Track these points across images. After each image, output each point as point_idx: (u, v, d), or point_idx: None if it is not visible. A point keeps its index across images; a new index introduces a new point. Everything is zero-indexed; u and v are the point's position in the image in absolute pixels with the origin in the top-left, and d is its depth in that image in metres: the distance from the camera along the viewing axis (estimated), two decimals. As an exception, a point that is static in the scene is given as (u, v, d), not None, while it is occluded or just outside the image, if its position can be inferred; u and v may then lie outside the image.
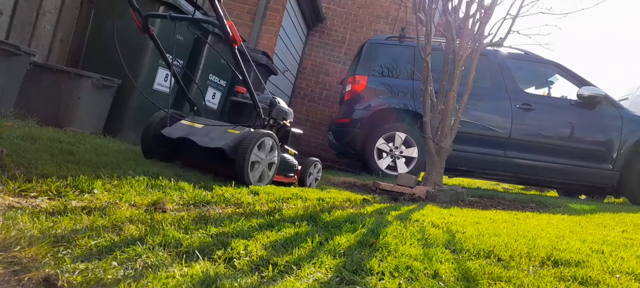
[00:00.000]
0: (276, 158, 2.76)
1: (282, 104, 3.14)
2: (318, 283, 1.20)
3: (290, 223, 1.83)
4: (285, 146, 3.18)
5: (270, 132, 2.72)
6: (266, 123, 2.89)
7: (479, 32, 4.00)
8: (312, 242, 1.54)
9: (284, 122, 3.09)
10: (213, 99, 4.68)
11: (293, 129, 3.20)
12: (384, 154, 5.20)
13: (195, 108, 2.99)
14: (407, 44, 5.59)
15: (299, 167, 3.22)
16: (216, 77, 4.62)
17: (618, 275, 1.63)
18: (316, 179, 3.45)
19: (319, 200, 2.61)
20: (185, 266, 1.19)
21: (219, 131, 2.63)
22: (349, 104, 5.49)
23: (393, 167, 5.17)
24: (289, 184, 3.07)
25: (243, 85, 2.82)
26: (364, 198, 3.08)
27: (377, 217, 2.29)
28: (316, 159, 3.38)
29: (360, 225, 1.94)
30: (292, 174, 3.12)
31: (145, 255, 1.21)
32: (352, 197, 2.96)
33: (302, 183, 3.22)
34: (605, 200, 5.92)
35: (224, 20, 2.53)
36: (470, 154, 5.14)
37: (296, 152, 3.25)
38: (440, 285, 1.31)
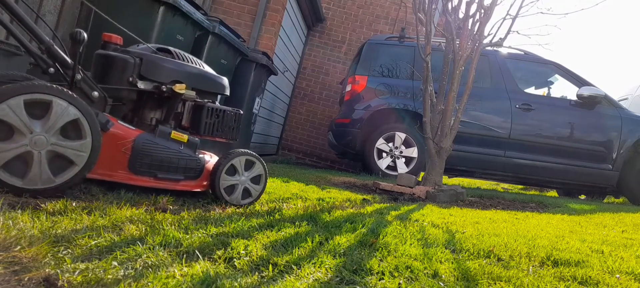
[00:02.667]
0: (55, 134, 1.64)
1: (172, 60, 2.12)
2: (318, 283, 1.20)
3: (290, 223, 1.83)
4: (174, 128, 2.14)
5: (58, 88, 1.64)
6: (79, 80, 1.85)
7: (478, 32, 4.01)
8: (312, 242, 1.54)
9: (170, 88, 2.04)
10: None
11: (206, 103, 2.18)
12: (384, 154, 5.20)
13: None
14: (407, 44, 5.59)
15: (205, 165, 2.17)
16: (216, 77, 4.62)
17: (618, 275, 1.63)
18: (248, 192, 2.23)
19: (319, 200, 2.62)
20: (186, 266, 1.19)
21: None
22: (349, 104, 5.49)
23: (393, 167, 5.17)
24: (170, 192, 2.09)
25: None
26: (364, 198, 3.09)
27: (377, 217, 2.29)
28: (252, 153, 2.25)
29: (360, 225, 1.94)
30: (178, 176, 2.06)
31: (145, 255, 1.21)
32: (352, 197, 2.96)
33: (213, 190, 2.16)
34: (605, 200, 5.92)
35: None
36: (470, 154, 5.14)
37: (195, 139, 2.16)
38: (440, 285, 1.31)
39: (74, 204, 1.65)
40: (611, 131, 5.22)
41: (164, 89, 2.02)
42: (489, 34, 4.06)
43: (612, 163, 5.17)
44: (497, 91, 5.29)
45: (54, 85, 1.63)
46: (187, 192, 2.15)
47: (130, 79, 1.99)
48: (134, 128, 1.98)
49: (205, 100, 2.19)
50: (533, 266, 1.66)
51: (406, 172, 4.96)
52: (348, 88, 5.60)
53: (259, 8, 6.37)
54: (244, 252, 1.34)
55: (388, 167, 5.18)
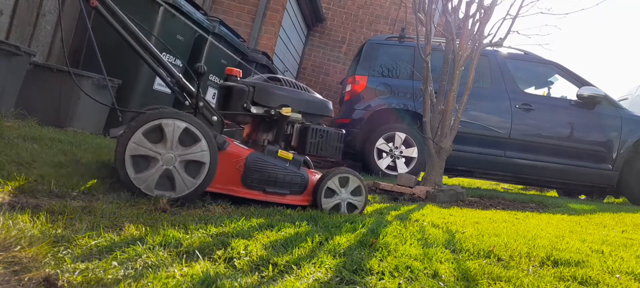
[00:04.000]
0: (198, 154, 1.97)
1: (280, 86, 2.37)
2: (318, 283, 1.20)
3: (290, 223, 1.83)
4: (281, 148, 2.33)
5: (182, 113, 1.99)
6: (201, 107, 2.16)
7: (478, 32, 4.01)
8: (312, 242, 1.54)
9: (278, 111, 2.28)
10: (213, 98, 4.68)
11: (311, 124, 2.37)
12: (384, 154, 5.20)
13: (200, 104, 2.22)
14: (407, 44, 5.59)
15: (310, 180, 2.33)
16: (216, 77, 4.62)
17: (618, 275, 1.63)
18: (353, 206, 2.38)
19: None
20: (186, 266, 1.19)
21: None
22: (349, 104, 5.49)
23: (393, 167, 5.17)
24: (282, 205, 2.25)
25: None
26: (364, 199, 3.08)
27: (377, 217, 2.29)
28: (344, 169, 2.38)
29: (360, 225, 1.94)
30: (285, 191, 2.25)
31: (145, 255, 1.21)
32: (352, 197, 2.96)
33: (315, 203, 2.31)
34: (605, 200, 5.92)
35: None
36: (470, 154, 5.14)
37: (299, 157, 2.33)
38: (440, 285, 1.31)
39: (73, 204, 1.66)
40: (611, 131, 5.22)
41: (273, 113, 2.28)
42: (489, 34, 4.06)
43: (612, 163, 5.17)
44: (497, 91, 5.29)
45: (159, 110, 1.97)
46: (294, 206, 2.29)
47: (245, 105, 2.27)
48: (246, 148, 2.24)
49: (310, 122, 2.41)
50: (533, 266, 1.66)
51: (406, 172, 4.96)
52: (348, 88, 5.60)
53: (259, 8, 6.37)
54: (244, 252, 1.34)
55: (388, 167, 5.18)
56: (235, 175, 2.13)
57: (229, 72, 2.39)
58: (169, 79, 2.21)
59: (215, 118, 2.15)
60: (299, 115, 2.37)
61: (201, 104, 2.13)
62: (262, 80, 2.40)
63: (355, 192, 2.38)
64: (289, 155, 2.27)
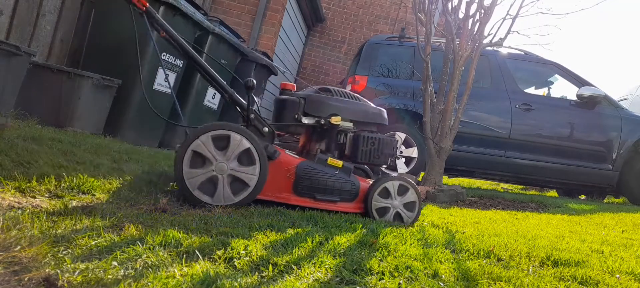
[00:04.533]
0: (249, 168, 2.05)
1: (332, 96, 2.41)
2: (318, 283, 1.20)
3: (290, 223, 1.83)
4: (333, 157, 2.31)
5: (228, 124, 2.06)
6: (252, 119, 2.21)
7: (478, 32, 4.01)
8: (312, 242, 1.54)
9: (327, 120, 2.32)
10: (213, 98, 4.68)
11: (362, 132, 2.38)
12: (384, 154, 5.19)
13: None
14: (407, 44, 5.59)
15: (360, 188, 2.28)
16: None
17: (618, 275, 1.63)
18: (400, 217, 2.29)
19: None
20: (186, 266, 1.19)
21: None
22: (349, 104, 5.49)
23: (393, 167, 5.17)
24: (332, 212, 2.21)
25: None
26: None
27: (377, 217, 2.29)
28: (408, 179, 2.33)
29: (360, 225, 1.94)
30: (335, 198, 2.24)
31: (145, 255, 1.21)
32: (352, 197, 2.96)
33: (366, 211, 2.27)
34: (605, 200, 5.92)
35: None
36: (470, 154, 5.14)
37: (349, 165, 2.30)
38: (440, 285, 1.31)
39: (73, 204, 1.66)
40: (611, 131, 5.22)
41: (323, 122, 2.34)
42: (489, 34, 4.06)
43: (612, 163, 5.16)
44: (497, 91, 5.29)
45: (233, 124, 2.06)
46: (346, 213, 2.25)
47: (296, 116, 2.36)
48: (297, 156, 2.30)
49: (362, 130, 2.43)
50: (533, 266, 1.66)
51: (406, 172, 4.95)
52: (348, 88, 5.60)
53: (259, 8, 6.37)
54: (244, 252, 1.34)
55: (388, 167, 5.18)
56: (287, 183, 2.20)
57: (284, 86, 2.47)
58: (222, 91, 2.30)
59: (266, 129, 2.22)
60: (350, 124, 2.39)
61: (252, 116, 2.20)
62: (314, 92, 2.47)
63: (409, 206, 2.31)
64: (339, 162, 2.28)
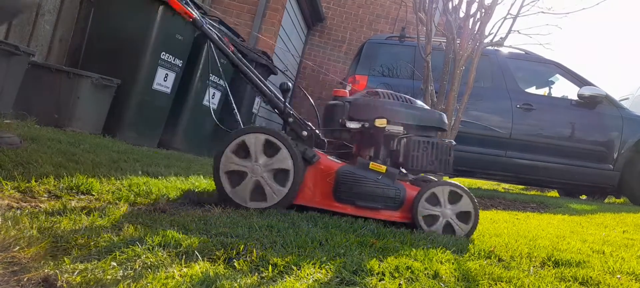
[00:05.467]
0: (280, 163, 2.03)
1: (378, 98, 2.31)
2: (318, 284, 1.20)
3: (290, 223, 1.82)
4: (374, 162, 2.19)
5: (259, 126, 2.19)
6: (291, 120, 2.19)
7: (479, 32, 4.00)
8: (312, 242, 1.54)
9: (371, 124, 2.23)
10: (213, 98, 4.68)
11: (413, 136, 2.23)
12: (384, 154, 5.19)
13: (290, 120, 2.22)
14: (407, 43, 5.58)
15: (408, 194, 2.12)
16: (216, 77, 4.61)
17: (619, 276, 1.62)
18: (452, 228, 2.08)
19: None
20: (185, 266, 1.18)
21: None
22: (349, 103, 5.48)
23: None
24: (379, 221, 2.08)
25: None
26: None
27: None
28: (451, 183, 2.14)
29: (360, 225, 1.93)
30: (377, 205, 2.11)
31: (144, 256, 1.20)
32: (352, 197, 2.95)
33: (412, 219, 2.10)
34: (606, 201, 5.91)
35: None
36: (470, 154, 5.13)
37: (394, 170, 2.17)
38: (440, 285, 1.31)
39: (72, 204, 1.65)
40: (612, 131, 5.21)
41: (367, 125, 2.23)
42: (489, 34, 4.06)
43: (613, 163, 5.15)
44: (497, 91, 5.28)
45: (256, 126, 2.05)
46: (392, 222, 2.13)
47: (341, 121, 2.29)
48: (338, 161, 2.21)
49: (414, 134, 2.26)
50: (534, 266, 1.66)
51: (406, 172, 4.94)
52: (348, 88, 5.59)
53: (259, 7, 6.36)
54: (243, 252, 1.34)
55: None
56: (327, 189, 2.12)
57: (336, 93, 2.41)
58: (261, 94, 2.31)
59: (305, 132, 2.17)
60: (399, 128, 2.23)
61: (291, 119, 2.18)
62: (361, 96, 2.38)
63: (463, 217, 2.08)
64: (382, 167, 2.14)
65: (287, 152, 2.02)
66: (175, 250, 1.29)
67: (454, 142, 2.27)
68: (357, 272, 1.31)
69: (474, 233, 2.09)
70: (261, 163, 2.01)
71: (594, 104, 5.22)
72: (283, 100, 2.20)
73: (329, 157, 2.22)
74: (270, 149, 2.04)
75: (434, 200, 2.08)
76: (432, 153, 2.21)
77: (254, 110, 5.56)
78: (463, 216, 2.09)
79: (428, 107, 2.43)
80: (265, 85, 2.32)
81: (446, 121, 2.38)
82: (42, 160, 2.07)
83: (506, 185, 7.60)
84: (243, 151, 2.04)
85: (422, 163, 2.20)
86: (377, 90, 2.40)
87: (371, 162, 2.17)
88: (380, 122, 2.20)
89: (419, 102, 2.38)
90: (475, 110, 5.13)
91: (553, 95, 5.75)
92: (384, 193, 2.10)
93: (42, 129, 2.83)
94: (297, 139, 2.14)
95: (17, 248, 1.10)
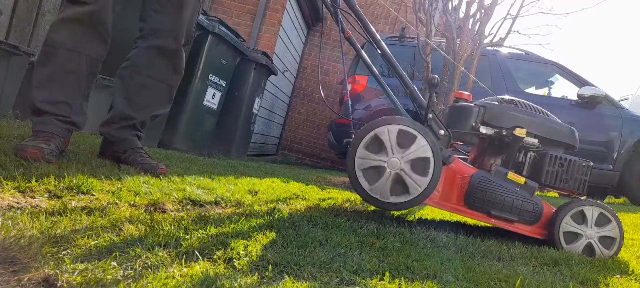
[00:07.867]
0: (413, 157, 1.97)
1: (514, 107, 2.26)
2: (318, 283, 1.20)
3: (290, 223, 1.83)
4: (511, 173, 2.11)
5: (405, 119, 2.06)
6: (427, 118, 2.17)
7: (479, 32, 4.00)
8: (312, 242, 1.54)
9: (510, 132, 2.15)
10: (213, 98, 4.68)
11: (549, 151, 2.16)
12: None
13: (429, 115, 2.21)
14: (407, 44, 5.59)
15: (545, 210, 2.08)
16: (216, 77, 4.61)
17: (618, 275, 1.62)
18: (593, 251, 2.00)
19: (320, 201, 2.62)
20: (185, 266, 1.19)
21: None
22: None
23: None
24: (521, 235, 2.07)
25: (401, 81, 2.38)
26: (364, 199, 3.07)
27: (377, 217, 2.28)
28: (602, 204, 2.06)
29: (360, 225, 1.93)
30: (512, 217, 2.04)
31: (144, 256, 1.20)
32: (352, 197, 2.96)
33: (550, 235, 2.04)
34: (606, 201, 5.92)
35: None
36: (470, 154, 5.13)
37: (533, 183, 2.10)
38: (440, 285, 1.31)
39: (73, 204, 1.65)
40: (612, 131, 5.21)
41: (504, 133, 2.17)
42: (489, 34, 4.06)
43: (613, 163, 5.16)
44: (497, 91, 5.29)
45: (386, 117, 2.03)
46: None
47: (474, 125, 2.23)
48: (472, 166, 2.20)
49: (548, 148, 2.20)
50: (534, 266, 1.66)
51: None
52: (348, 88, 5.60)
53: (259, 8, 6.37)
54: (243, 252, 1.34)
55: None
56: (459, 193, 2.08)
57: (458, 95, 2.38)
58: (404, 89, 2.30)
59: (442, 132, 2.14)
60: (535, 140, 2.17)
61: (430, 116, 2.13)
62: (495, 101, 2.32)
63: (606, 242, 2.00)
64: (521, 179, 2.07)
65: (424, 140, 1.96)
66: (175, 250, 1.29)
67: (591, 163, 2.17)
68: (357, 272, 1.32)
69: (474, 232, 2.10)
70: (399, 156, 1.95)
71: (593, 104, 5.23)
72: (429, 94, 2.16)
73: (460, 159, 2.15)
74: (404, 139, 1.97)
75: (580, 219, 2.02)
76: (568, 171, 2.12)
77: (254, 110, 5.56)
78: (606, 241, 2.01)
79: (560, 121, 2.31)
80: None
81: (577, 138, 2.27)
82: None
83: (506, 185, 7.60)
84: (376, 145, 1.99)
85: (555, 180, 2.12)
86: (512, 98, 2.35)
87: (510, 173, 2.08)
88: (520, 132, 2.12)
89: (552, 116, 2.31)
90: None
91: (553, 95, 5.76)
92: (522, 206, 2.03)
93: (42, 129, 2.83)
94: (435, 138, 2.08)
95: (17, 248, 1.10)
